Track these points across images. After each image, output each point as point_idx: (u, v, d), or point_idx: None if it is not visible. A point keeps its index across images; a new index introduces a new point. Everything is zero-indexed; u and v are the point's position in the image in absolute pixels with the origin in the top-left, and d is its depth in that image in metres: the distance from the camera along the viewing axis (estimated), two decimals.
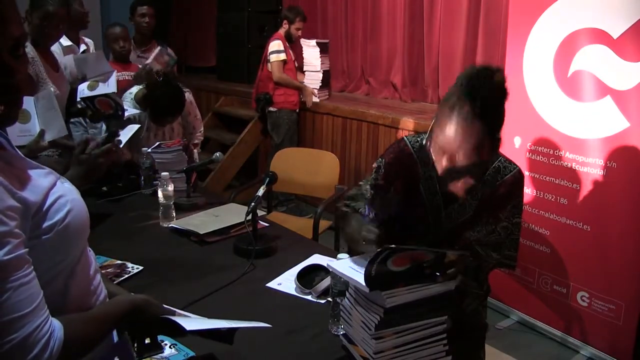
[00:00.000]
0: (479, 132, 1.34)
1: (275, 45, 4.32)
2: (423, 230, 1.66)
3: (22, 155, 0.93)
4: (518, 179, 1.55)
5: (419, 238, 1.65)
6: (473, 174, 1.42)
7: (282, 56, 4.32)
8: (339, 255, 1.39)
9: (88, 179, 1.43)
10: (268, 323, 1.23)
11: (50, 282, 0.87)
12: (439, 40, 4.34)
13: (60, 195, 0.90)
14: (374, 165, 1.68)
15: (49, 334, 0.80)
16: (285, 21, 4.41)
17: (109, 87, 2.40)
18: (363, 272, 1.16)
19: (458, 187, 1.44)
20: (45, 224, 0.86)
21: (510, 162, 1.57)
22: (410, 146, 1.63)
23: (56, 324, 0.83)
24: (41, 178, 0.89)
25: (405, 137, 1.67)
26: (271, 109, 4.42)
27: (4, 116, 0.88)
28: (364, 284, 1.15)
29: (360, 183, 1.71)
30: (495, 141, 1.41)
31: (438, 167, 1.44)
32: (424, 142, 1.53)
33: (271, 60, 4.33)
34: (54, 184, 0.90)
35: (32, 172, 0.89)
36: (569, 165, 2.56)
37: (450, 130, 1.36)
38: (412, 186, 1.62)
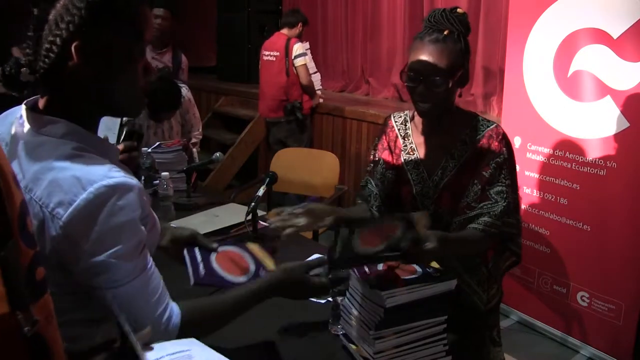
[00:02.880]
0: (446, 53, 1.43)
1: (300, 47, 4.12)
2: (413, 210, 1.64)
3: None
4: (496, 133, 1.51)
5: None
6: (440, 106, 1.48)
7: (307, 59, 4.17)
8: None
9: None
10: (268, 323, 1.23)
11: None
12: None
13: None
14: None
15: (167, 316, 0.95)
16: (300, 23, 4.21)
17: None
18: None
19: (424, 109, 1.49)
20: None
21: (489, 121, 1.56)
22: (393, 120, 1.70)
23: (175, 310, 0.97)
24: None
25: (392, 114, 1.73)
26: (298, 115, 4.20)
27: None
28: None
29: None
30: (462, 75, 1.48)
31: (414, 102, 1.49)
32: (407, 116, 1.66)
33: (298, 65, 4.10)
34: None
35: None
36: (569, 165, 2.56)
37: (421, 51, 1.45)
38: (397, 161, 1.65)
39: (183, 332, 0.96)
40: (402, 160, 1.63)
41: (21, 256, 0.57)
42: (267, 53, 4.25)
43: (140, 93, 0.98)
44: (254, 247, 1.30)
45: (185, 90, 3.06)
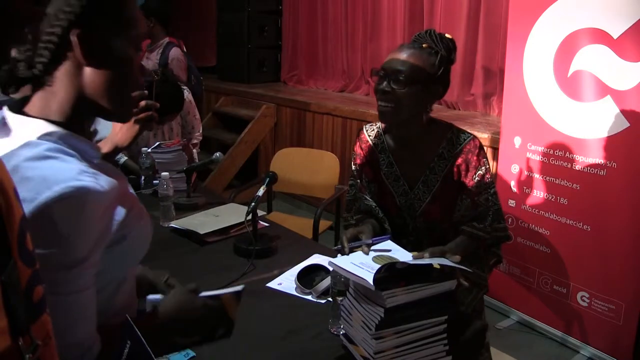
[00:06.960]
0: (416, 58, 1.50)
1: None
2: (400, 222, 1.73)
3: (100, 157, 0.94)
4: (474, 146, 1.60)
5: (401, 229, 1.73)
6: (400, 112, 1.52)
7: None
8: (339, 256, 1.39)
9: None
10: (268, 323, 1.22)
11: (105, 287, 0.90)
12: None
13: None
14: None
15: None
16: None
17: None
18: (366, 268, 1.20)
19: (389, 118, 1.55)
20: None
21: (464, 131, 1.64)
22: (366, 134, 1.73)
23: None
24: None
25: (364, 126, 1.76)
26: None
27: None
28: (369, 280, 1.15)
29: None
30: (430, 89, 1.53)
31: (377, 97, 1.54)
32: (379, 129, 1.70)
33: None
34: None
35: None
36: (569, 165, 2.56)
37: (393, 54, 1.54)
38: (377, 174, 1.71)
39: None
40: (382, 174, 1.69)
41: (20, 277, 0.56)
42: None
43: (131, 98, 0.94)
44: None
45: (186, 92, 3.07)
